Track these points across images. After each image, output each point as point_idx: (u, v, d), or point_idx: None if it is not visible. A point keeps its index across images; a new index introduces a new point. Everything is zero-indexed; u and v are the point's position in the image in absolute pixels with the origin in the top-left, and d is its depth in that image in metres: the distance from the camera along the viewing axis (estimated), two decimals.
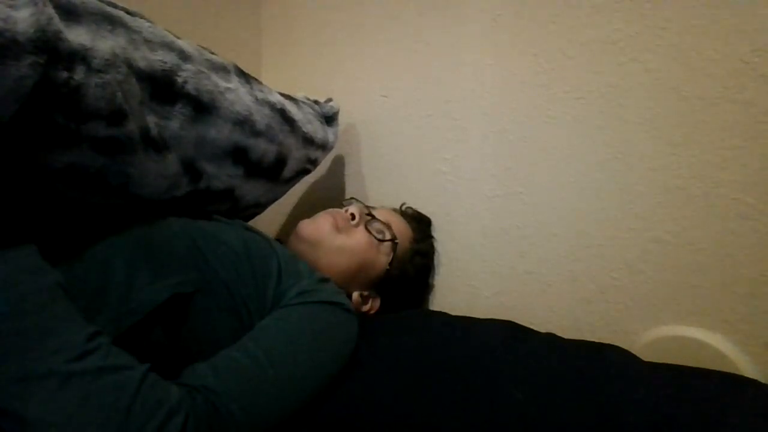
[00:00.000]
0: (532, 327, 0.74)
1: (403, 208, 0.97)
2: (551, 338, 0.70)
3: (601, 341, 0.68)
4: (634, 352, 0.65)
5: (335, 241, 0.79)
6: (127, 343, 0.48)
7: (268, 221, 1.20)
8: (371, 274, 0.82)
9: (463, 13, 0.88)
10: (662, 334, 0.70)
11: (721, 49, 0.63)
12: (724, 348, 0.65)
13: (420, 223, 0.93)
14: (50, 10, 0.45)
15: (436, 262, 0.94)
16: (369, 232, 0.82)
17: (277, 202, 0.95)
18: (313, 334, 0.61)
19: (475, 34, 0.86)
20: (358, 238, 0.81)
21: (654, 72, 0.68)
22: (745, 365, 0.63)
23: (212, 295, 0.59)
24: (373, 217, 0.85)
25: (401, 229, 0.87)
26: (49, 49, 0.45)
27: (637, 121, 0.70)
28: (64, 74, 0.47)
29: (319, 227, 0.80)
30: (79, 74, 0.48)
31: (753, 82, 0.61)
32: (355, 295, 0.81)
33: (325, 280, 0.70)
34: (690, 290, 0.68)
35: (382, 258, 0.83)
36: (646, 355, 0.64)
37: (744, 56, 0.61)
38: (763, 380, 0.59)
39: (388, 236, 0.83)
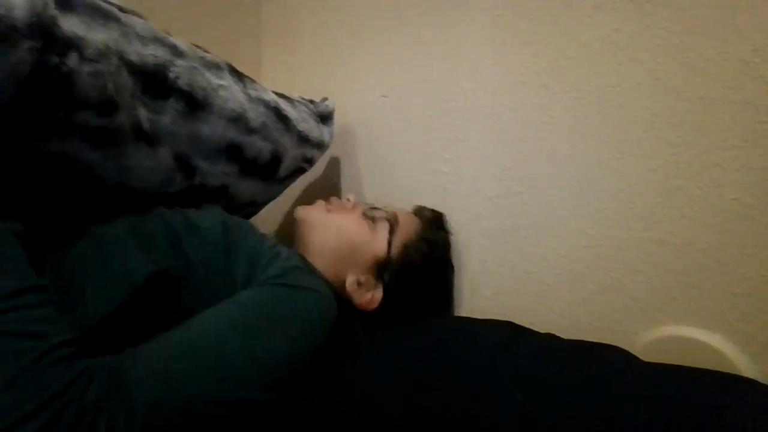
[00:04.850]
0: (532, 327, 0.74)
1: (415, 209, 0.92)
2: (551, 338, 0.70)
3: (601, 341, 0.68)
4: (634, 352, 0.65)
5: (325, 218, 0.80)
6: (115, 325, 0.49)
7: (267, 222, 1.20)
8: (367, 257, 0.77)
9: (463, 13, 0.88)
10: (662, 334, 0.70)
11: (721, 49, 0.63)
12: (724, 348, 0.65)
13: (432, 216, 0.88)
14: None
15: None
16: (363, 214, 0.81)
17: (275, 203, 0.95)
18: (268, 316, 0.57)
19: (475, 34, 0.86)
20: (349, 218, 0.80)
21: (654, 72, 0.68)
22: (745, 365, 0.63)
23: (191, 286, 0.59)
24: (375, 207, 0.83)
25: (407, 219, 0.83)
26: (44, 34, 0.46)
27: (637, 121, 0.70)
28: (56, 59, 0.48)
29: (313, 208, 0.82)
30: (71, 61, 0.49)
31: (753, 82, 0.61)
32: (350, 279, 0.76)
33: (299, 267, 0.66)
34: (690, 290, 0.68)
35: (379, 240, 0.78)
36: (646, 355, 0.64)
37: (744, 56, 0.61)
38: (763, 380, 0.59)
39: (382, 216, 0.80)
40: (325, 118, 0.94)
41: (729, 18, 0.62)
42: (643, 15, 0.68)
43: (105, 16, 0.55)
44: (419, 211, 0.89)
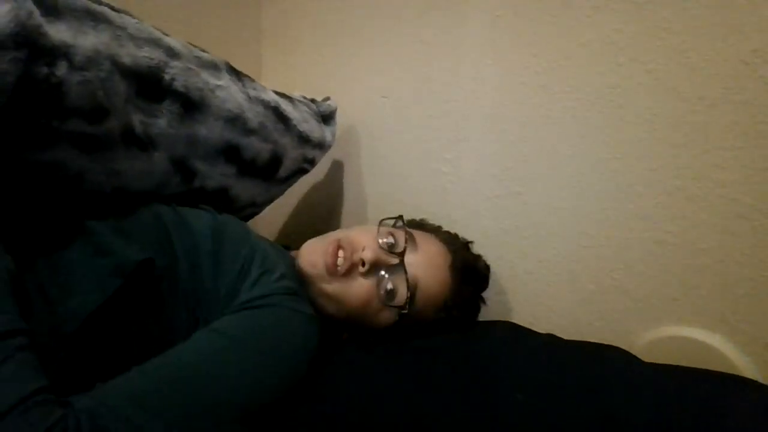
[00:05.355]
0: (532, 327, 0.74)
1: (463, 245, 0.79)
2: (551, 339, 0.70)
3: (601, 341, 0.68)
4: (634, 353, 0.65)
5: (326, 286, 0.67)
6: (101, 326, 0.49)
7: (269, 223, 1.20)
8: (369, 326, 0.70)
9: (463, 13, 0.87)
10: (662, 335, 0.70)
11: (721, 49, 0.63)
12: (724, 348, 0.65)
13: (465, 284, 0.73)
14: (30, 5, 0.45)
15: None
16: (379, 284, 0.67)
17: (276, 203, 0.95)
18: (250, 345, 0.55)
19: (475, 34, 0.86)
20: (356, 289, 0.67)
21: (654, 72, 0.68)
22: (745, 366, 0.63)
23: (177, 287, 0.57)
24: (401, 260, 0.67)
25: (431, 291, 0.69)
26: (29, 44, 0.45)
27: (637, 121, 0.70)
28: (45, 70, 0.47)
29: (316, 262, 0.68)
30: (61, 70, 0.48)
31: (753, 82, 0.61)
32: (346, 335, 0.72)
33: (287, 291, 0.62)
34: (690, 290, 0.68)
35: (385, 318, 0.68)
36: (646, 356, 0.64)
37: (744, 57, 0.61)
38: (763, 381, 0.59)
39: (396, 302, 0.67)
40: (327, 118, 0.93)
41: (729, 18, 0.62)
42: (643, 15, 0.68)
43: (95, 19, 0.54)
44: (457, 272, 0.72)
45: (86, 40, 0.51)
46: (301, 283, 0.68)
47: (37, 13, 0.46)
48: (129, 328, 0.53)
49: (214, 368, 0.52)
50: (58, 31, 0.49)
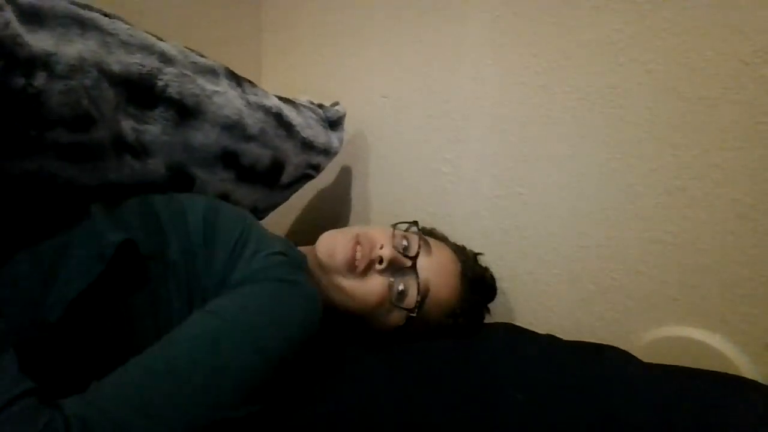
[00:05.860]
0: (532, 327, 0.74)
1: (473, 256, 0.80)
2: (551, 339, 0.70)
3: (601, 341, 0.68)
4: (634, 353, 0.65)
5: (342, 280, 0.68)
6: (87, 310, 0.48)
7: (273, 225, 1.20)
8: (377, 326, 0.70)
9: (463, 13, 0.87)
10: (662, 335, 0.70)
11: (721, 49, 0.63)
12: (724, 349, 0.65)
13: (474, 293, 0.74)
14: (8, 15, 0.45)
15: None
16: (391, 285, 0.68)
17: (283, 207, 0.94)
18: (247, 324, 0.53)
19: (475, 34, 0.86)
20: (371, 287, 0.67)
21: (654, 72, 0.68)
22: (745, 366, 0.63)
23: (166, 267, 0.56)
24: (414, 264, 0.68)
25: (441, 296, 0.70)
26: (5, 55, 0.44)
27: (637, 121, 0.70)
28: (21, 81, 0.46)
29: (336, 253, 0.68)
30: (39, 80, 0.47)
31: (753, 82, 0.61)
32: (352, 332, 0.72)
33: (286, 262, 0.61)
34: (690, 291, 0.68)
35: (394, 319, 0.69)
36: (646, 356, 0.64)
37: (744, 57, 0.61)
38: (763, 381, 0.59)
39: (405, 305, 0.68)
40: (334, 123, 0.91)
41: (729, 18, 0.62)
42: (643, 15, 0.68)
43: (83, 26, 0.53)
44: (468, 281, 0.73)
45: (71, 48, 0.51)
46: (307, 270, 0.66)
47: (15, 23, 0.45)
48: (117, 313, 0.52)
49: (209, 355, 0.50)
50: (40, 40, 0.48)
